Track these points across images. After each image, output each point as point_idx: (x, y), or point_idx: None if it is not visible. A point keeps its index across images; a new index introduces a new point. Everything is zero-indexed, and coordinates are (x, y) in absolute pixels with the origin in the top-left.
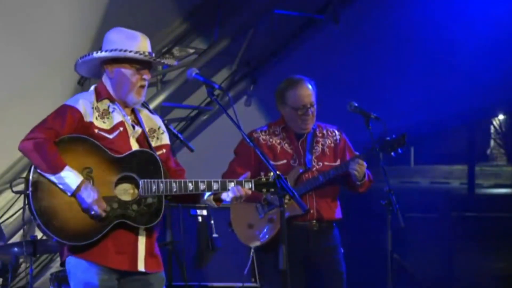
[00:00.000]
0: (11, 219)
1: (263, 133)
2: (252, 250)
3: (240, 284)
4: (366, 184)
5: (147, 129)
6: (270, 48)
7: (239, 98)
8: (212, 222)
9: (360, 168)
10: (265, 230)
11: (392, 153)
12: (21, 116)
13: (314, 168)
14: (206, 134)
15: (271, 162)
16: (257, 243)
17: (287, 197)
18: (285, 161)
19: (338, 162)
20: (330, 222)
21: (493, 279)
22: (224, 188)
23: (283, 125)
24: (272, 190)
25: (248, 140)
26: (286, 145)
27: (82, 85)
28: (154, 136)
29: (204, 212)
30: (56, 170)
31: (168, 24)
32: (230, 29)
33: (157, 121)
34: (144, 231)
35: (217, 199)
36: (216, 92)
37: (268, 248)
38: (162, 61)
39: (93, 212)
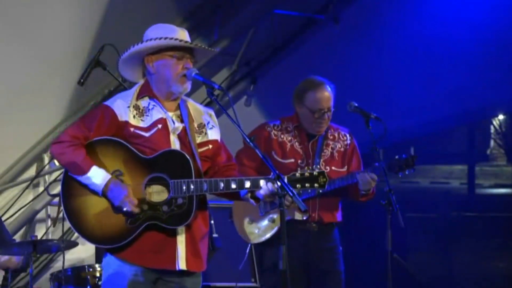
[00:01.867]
0: (11, 219)
1: (275, 128)
2: (249, 246)
3: (241, 284)
4: (369, 196)
5: (195, 124)
6: (270, 48)
7: (239, 98)
8: (212, 222)
9: (369, 183)
10: (264, 229)
11: (400, 174)
12: (21, 116)
13: None
14: None
15: (280, 160)
16: (255, 241)
17: (290, 199)
18: (293, 160)
19: (345, 168)
20: (330, 224)
21: (493, 279)
22: (256, 186)
23: (297, 124)
24: (307, 185)
25: (248, 140)
26: (296, 144)
27: (82, 85)
28: (202, 131)
29: None
30: (84, 170)
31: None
32: (230, 29)
33: (207, 115)
34: (184, 231)
35: (254, 197)
36: (216, 92)
37: (267, 246)
38: (203, 46)
39: (125, 209)
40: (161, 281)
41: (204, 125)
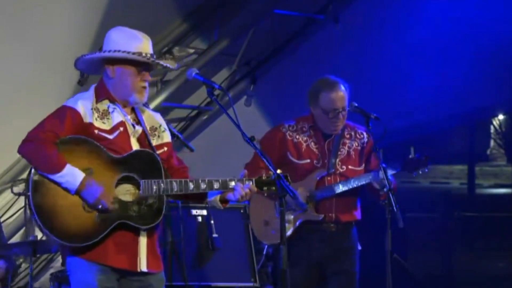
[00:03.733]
0: (11, 219)
1: (290, 128)
2: (265, 247)
3: (241, 284)
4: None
5: (148, 128)
6: (270, 48)
7: (239, 98)
8: (212, 222)
9: (381, 182)
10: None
11: (414, 173)
12: (21, 116)
13: (338, 172)
14: (206, 134)
15: (295, 160)
16: (271, 242)
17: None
18: (308, 160)
19: (362, 167)
20: (348, 223)
21: (493, 279)
22: (225, 187)
23: (312, 124)
24: (273, 188)
25: (248, 140)
26: (312, 144)
27: (82, 85)
28: (155, 134)
29: (204, 212)
30: (57, 169)
31: (168, 24)
32: (230, 29)
33: (158, 119)
34: (145, 231)
35: (223, 199)
36: (216, 92)
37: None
38: (163, 63)
39: (100, 206)
40: (124, 280)
41: (156, 128)
